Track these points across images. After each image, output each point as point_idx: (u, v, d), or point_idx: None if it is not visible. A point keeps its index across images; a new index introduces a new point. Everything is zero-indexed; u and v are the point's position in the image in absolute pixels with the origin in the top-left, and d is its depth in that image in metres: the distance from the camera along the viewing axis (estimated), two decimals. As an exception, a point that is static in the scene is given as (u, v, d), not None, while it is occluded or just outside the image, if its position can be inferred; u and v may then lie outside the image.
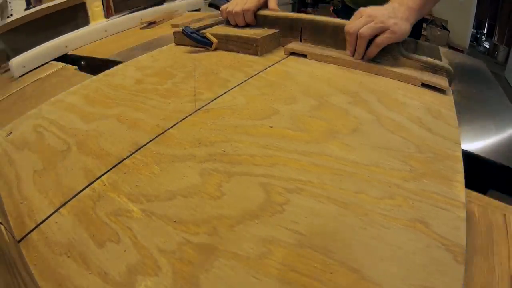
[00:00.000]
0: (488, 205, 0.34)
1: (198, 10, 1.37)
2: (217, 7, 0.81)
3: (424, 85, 0.51)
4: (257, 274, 0.25)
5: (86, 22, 1.08)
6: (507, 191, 0.38)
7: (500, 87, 0.63)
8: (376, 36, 0.54)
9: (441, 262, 0.25)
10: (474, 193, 0.36)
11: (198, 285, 0.25)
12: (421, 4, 0.56)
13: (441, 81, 0.51)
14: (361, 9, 0.57)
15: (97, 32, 1.05)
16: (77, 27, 1.04)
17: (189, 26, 0.72)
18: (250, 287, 0.25)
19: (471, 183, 0.34)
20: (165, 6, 1.27)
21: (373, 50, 0.55)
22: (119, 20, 1.12)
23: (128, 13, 1.16)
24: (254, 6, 0.70)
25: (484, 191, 0.37)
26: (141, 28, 1.12)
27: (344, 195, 0.31)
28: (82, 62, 0.88)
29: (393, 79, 0.54)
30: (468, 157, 0.40)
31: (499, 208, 0.34)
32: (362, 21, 0.55)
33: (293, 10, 3.98)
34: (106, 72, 0.66)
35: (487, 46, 3.21)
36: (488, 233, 0.31)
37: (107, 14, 1.12)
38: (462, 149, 0.37)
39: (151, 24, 1.13)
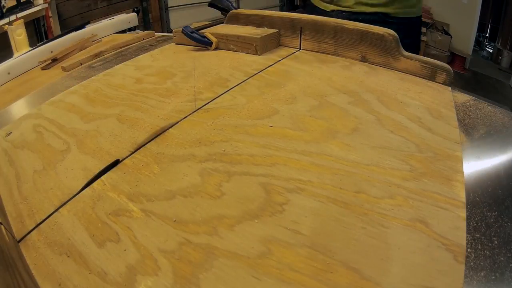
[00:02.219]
0: None
1: (134, 29, 1.14)
2: (217, 7, 0.81)
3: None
4: (257, 274, 0.25)
5: (11, 53, 0.93)
6: None
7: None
8: None
9: (441, 262, 0.25)
10: None
11: (198, 285, 0.25)
12: None
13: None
14: None
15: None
16: (2, 59, 0.88)
17: (189, 25, 0.72)
18: (250, 287, 0.25)
19: None
20: (81, 31, 1.00)
21: None
22: (21, 58, 0.88)
23: (38, 46, 0.93)
24: None
25: None
26: (42, 68, 0.86)
27: (344, 195, 0.31)
28: None
29: (393, 78, 0.54)
30: None
31: None
32: None
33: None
34: (106, 71, 0.66)
35: (491, 51, 3.03)
36: None
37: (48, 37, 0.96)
38: None
39: (53, 61, 0.87)
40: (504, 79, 2.57)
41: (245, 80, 0.55)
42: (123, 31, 1.10)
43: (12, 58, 0.91)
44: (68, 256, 0.28)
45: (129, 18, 1.14)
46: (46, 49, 0.91)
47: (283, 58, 0.64)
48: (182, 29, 0.71)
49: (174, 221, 0.30)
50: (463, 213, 0.29)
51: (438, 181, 0.33)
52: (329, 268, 0.25)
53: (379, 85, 0.52)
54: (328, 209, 0.30)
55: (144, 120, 0.46)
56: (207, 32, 0.71)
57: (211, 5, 0.85)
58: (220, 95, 0.51)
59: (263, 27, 0.72)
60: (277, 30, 0.70)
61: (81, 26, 1.03)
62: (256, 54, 0.65)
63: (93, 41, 0.98)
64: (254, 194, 0.32)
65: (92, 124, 0.47)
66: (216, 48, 0.71)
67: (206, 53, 0.69)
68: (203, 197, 0.32)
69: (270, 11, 0.74)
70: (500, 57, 2.87)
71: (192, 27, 0.73)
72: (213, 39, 0.70)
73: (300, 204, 0.31)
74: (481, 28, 2.96)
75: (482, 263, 0.26)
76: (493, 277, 0.25)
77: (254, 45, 0.65)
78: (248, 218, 0.30)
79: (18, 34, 0.99)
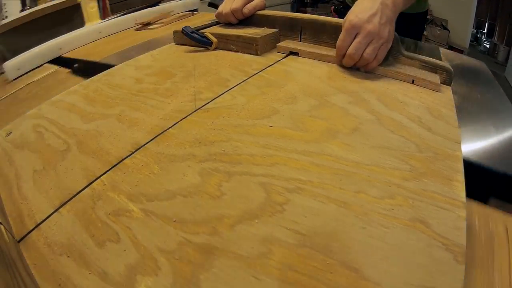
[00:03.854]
0: (489, 216, 0.34)
1: (196, 10, 1.36)
2: (216, 7, 0.81)
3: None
4: (257, 274, 0.25)
5: (81, 23, 1.07)
6: (509, 200, 0.37)
7: (500, 88, 0.63)
8: None
9: (442, 262, 0.25)
10: (475, 203, 0.35)
11: (198, 285, 0.25)
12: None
13: (433, 79, 0.51)
14: (353, 21, 0.53)
15: (91, 34, 1.02)
16: (73, 28, 1.02)
17: (189, 26, 0.72)
18: (250, 287, 0.25)
19: (472, 192, 0.34)
20: (160, 6, 1.23)
21: (375, 64, 0.54)
22: (113, 21, 1.08)
23: (123, 15, 1.12)
24: (241, 4, 0.72)
25: (485, 200, 0.36)
26: (136, 30, 1.08)
27: (344, 195, 0.31)
28: (75, 65, 0.87)
29: (394, 79, 0.54)
30: (469, 165, 0.39)
31: (500, 219, 0.34)
32: (363, 42, 0.52)
33: (292, 10, 3.97)
34: (106, 71, 0.66)
35: (487, 46, 3.18)
36: (488, 244, 0.31)
37: (103, 15, 1.10)
38: (464, 158, 0.36)
39: (146, 25, 1.09)
40: (499, 71, 2.71)
41: (245, 80, 0.55)
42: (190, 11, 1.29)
43: (81, 28, 1.04)
44: (68, 256, 0.28)
45: (193, 1, 1.33)
46: (130, 17, 1.11)
47: (283, 58, 0.64)
48: (182, 29, 0.71)
49: (174, 221, 0.30)
50: (463, 213, 0.29)
51: (438, 181, 0.33)
52: (329, 268, 0.25)
53: (379, 85, 0.52)
54: (328, 209, 0.30)
55: (144, 120, 0.46)
56: (207, 32, 0.71)
57: (211, 4, 0.85)
58: (220, 95, 0.51)
59: (263, 27, 0.72)
60: (277, 30, 0.70)
61: (155, 4, 1.24)
62: (256, 54, 0.65)
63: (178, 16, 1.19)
64: (254, 194, 0.32)
65: (92, 124, 0.47)
66: (216, 48, 0.71)
67: (206, 53, 0.69)
68: (203, 197, 0.32)
69: (270, 11, 0.73)
70: (496, 52, 3.03)
71: (192, 27, 0.73)
72: (213, 39, 0.70)
73: (300, 204, 0.31)
74: (479, 25, 3.18)
75: None
76: None
77: (254, 45, 0.65)
78: (248, 218, 0.30)
79: (91, 7, 1.09)
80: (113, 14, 1.13)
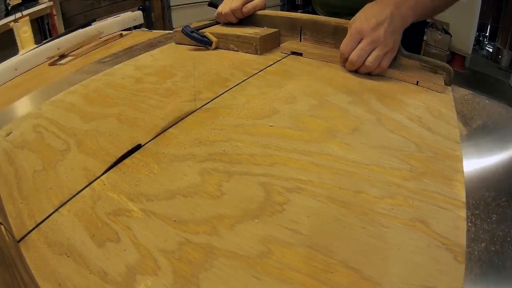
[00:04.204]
0: None
1: (139, 27, 1.16)
2: (216, 7, 0.81)
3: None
4: (257, 273, 0.25)
5: (16, 50, 0.94)
6: None
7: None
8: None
9: (441, 262, 0.25)
10: None
11: (198, 284, 0.25)
12: (419, 12, 0.54)
13: (437, 80, 0.51)
14: (358, 27, 0.53)
15: (6, 72, 0.83)
16: (7, 55, 0.88)
17: (189, 25, 0.72)
18: (250, 286, 0.25)
19: None
20: (92, 27, 1.02)
21: (377, 72, 0.54)
22: (28, 55, 0.88)
23: (45, 43, 0.93)
24: (240, 4, 0.73)
25: None
26: (50, 65, 0.86)
27: (344, 195, 0.31)
28: None
29: (394, 78, 0.54)
30: None
31: None
32: (366, 48, 0.52)
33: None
34: (106, 71, 0.66)
35: (490, 50, 3.04)
36: None
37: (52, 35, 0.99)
38: None
39: (61, 57, 0.88)
40: (504, 78, 2.57)
41: (245, 80, 0.55)
42: (128, 29, 1.12)
43: (18, 55, 0.90)
44: (68, 256, 0.28)
45: (134, 16, 1.16)
46: (53, 45, 0.92)
47: (283, 58, 0.64)
48: (182, 29, 0.71)
49: (174, 221, 0.30)
50: (463, 213, 0.29)
51: (438, 180, 0.32)
52: (329, 268, 0.25)
53: (379, 85, 0.52)
54: (328, 209, 0.30)
55: (144, 120, 0.46)
56: (207, 32, 0.71)
57: (210, 4, 0.85)
58: (220, 95, 0.51)
59: (263, 27, 0.72)
60: (277, 29, 0.70)
61: (87, 24, 1.04)
62: (256, 53, 0.65)
63: (101, 38, 0.99)
64: (254, 194, 0.32)
65: (92, 124, 0.47)
66: (216, 48, 0.71)
67: (206, 53, 0.69)
68: (203, 197, 0.32)
69: (270, 11, 0.73)
70: (499, 56, 2.88)
71: (192, 26, 0.73)
72: (213, 38, 0.70)
73: (300, 204, 0.31)
74: (481, 28, 2.97)
75: (482, 236, 0.28)
76: (492, 249, 0.27)
77: (254, 44, 0.65)
78: (248, 218, 0.30)
79: (23, 32, 0.99)
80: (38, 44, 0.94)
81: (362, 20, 0.53)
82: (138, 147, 0.40)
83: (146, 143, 0.41)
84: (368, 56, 0.52)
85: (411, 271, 0.25)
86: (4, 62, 0.86)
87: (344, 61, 0.56)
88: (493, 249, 0.27)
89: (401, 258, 0.26)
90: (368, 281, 0.24)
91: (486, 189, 0.33)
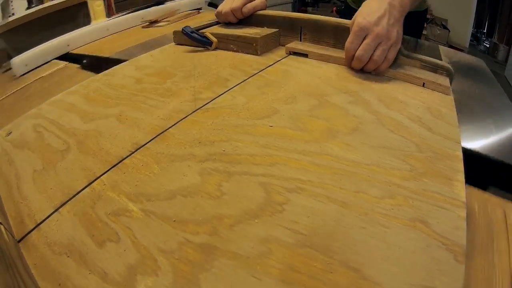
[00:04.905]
0: (488, 202, 0.34)
1: (199, 9, 1.37)
2: (216, 6, 0.81)
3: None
4: (257, 274, 0.25)
5: (87, 21, 1.08)
6: (507, 188, 0.38)
7: (499, 86, 0.63)
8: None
9: (441, 262, 0.25)
10: (474, 190, 0.36)
11: (198, 284, 0.25)
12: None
13: (443, 81, 0.51)
14: (361, 23, 0.53)
15: (98, 31, 1.04)
16: (79, 26, 1.03)
17: (189, 26, 0.72)
18: (250, 287, 0.25)
19: (471, 180, 0.35)
20: (166, 5, 1.26)
21: (385, 66, 0.54)
22: (120, 19, 1.11)
23: (130, 12, 1.15)
24: (241, 3, 0.73)
25: (484, 188, 0.37)
26: (143, 27, 1.11)
27: (344, 195, 0.31)
28: (84, 61, 0.87)
29: (394, 78, 0.54)
30: (469, 154, 0.40)
31: (498, 204, 0.34)
32: (372, 44, 0.52)
33: (293, 9, 3.97)
34: (106, 71, 0.66)
35: (487, 45, 3.16)
36: (488, 229, 0.31)
37: (109, 13, 1.11)
38: (462, 147, 0.37)
39: (152, 23, 1.12)
40: (500, 71, 2.68)
41: (245, 80, 0.55)
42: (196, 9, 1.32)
43: (89, 25, 1.05)
44: (68, 256, 0.28)
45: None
46: (136, 15, 1.14)
47: (283, 58, 0.64)
48: (182, 29, 0.71)
49: (174, 221, 0.30)
50: (463, 213, 0.29)
51: (438, 180, 0.32)
52: (329, 268, 0.25)
53: (379, 84, 0.52)
54: (328, 209, 0.30)
55: (144, 120, 0.46)
56: (207, 32, 0.71)
57: (210, 4, 0.85)
58: (220, 95, 0.51)
59: (263, 27, 0.72)
60: (277, 29, 0.70)
61: (161, 2, 1.26)
62: (256, 54, 0.65)
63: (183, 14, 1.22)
64: (254, 194, 0.32)
65: (92, 124, 0.47)
66: (216, 48, 0.71)
67: (206, 53, 0.69)
68: (203, 197, 0.32)
69: (270, 11, 0.73)
70: (496, 51, 2.99)
71: (192, 27, 0.73)
72: (213, 39, 0.70)
73: (300, 204, 0.31)
74: (478, 25, 3.13)
75: None
76: None
77: (254, 45, 0.65)
78: (248, 218, 0.30)
79: (97, 5, 1.10)
80: (118, 13, 1.14)
81: (363, 16, 0.53)
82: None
83: (146, 143, 0.41)
84: (374, 51, 0.52)
85: (411, 271, 0.25)
86: (95, 23, 1.06)
87: (350, 59, 0.56)
88: None
89: (401, 258, 0.26)
90: (368, 281, 0.24)
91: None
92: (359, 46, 0.53)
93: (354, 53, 0.54)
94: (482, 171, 0.40)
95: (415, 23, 0.98)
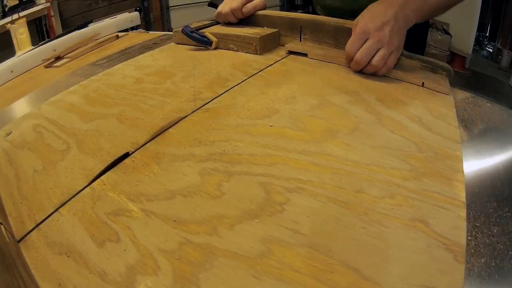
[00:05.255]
0: None
1: (136, 28, 1.15)
2: (216, 7, 0.81)
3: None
4: (257, 273, 0.25)
5: (13, 51, 0.94)
6: None
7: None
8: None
9: (442, 262, 0.25)
10: None
11: (198, 284, 0.25)
12: (422, 12, 0.55)
13: (443, 82, 0.51)
14: (363, 27, 0.53)
15: (2, 74, 0.83)
16: (4, 57, 0.88)
17: (189, 25, 0.72)
18: (250, 286, 0.25)
19: None
20: (88, 28, 1.02)
21: (384, 71, 0.54)
22: (24, 57, 0.88)
23: (41, 45, 0.93)
24: (240, 4, 0.73)
25: None
26: (46, 67, 0.85)
27: (344, 195, 0.31)
28: None
29: (394, 78, 0.54)
30: None
31: None
32: (372, 48, 0.52)
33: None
34: (106, 71, 0.66)
35: (490, 51, 3.04)
36: None
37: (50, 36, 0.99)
38: None
39: (57, 59, 0.87)
40: (504, 79, 2.57)
41: (245, 80, 0.55)
42: (125, 30, 1.11)
43: (14, 57, 0.90)
44: (68, 256, 0.28)
45: (131, 17, 1.14)
46: (49, 47, 0.91)
47: (283, 58, 0.64)
48: (182, 29, 0.71)
49: (174, 221, 0.30)
50: (463, 213, 0.29)
51: (438, 180, 0.32)
52: (329, 268, 0.25)
53: (379, 84, 0.52)
54: (328, 209, 0.30)
55: (144, 120, 0.46)
56: (207, 32, 0.71)
57: (211, 4, 0.85)
58: (220, 95, 0.51)
59: (263, 27, 0.72)
60: (277, 29, 0.70)
61: (84, 25, 1.03)
62: (256, 53, 0.65)
63: (97, 40, 0.98)
64: (254, 193, 0.32)
65: (92, 124, 0.47)
66: (216, 48, 0.71)
67: (206, 53, 0.69)
68: (203, 197, 0.32)
69: (270, 11, 0.73)
70: (500, 57, 2.87)
71: (192, 26, 0.73)
72: (213, 38, 0.70)
73: (300, 204, 0.31)
74: (481, 28, 2.96)
75: (482, 250, 0.27)
76: (493, 264, 0.26)
77: (254, 44, 0.65)
78: (248, 218, 0.30)
79: (20, 33, 1.00)
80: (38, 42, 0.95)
81: (367, 20, 0.53)
82: (126, 155, 0.40)
83: (146, 143, 0.41)
84: (374, 56, 0.52)
85: (411, 271, 0.25)
86: (0, 64, 0.85)
87: (349, 61, 0.56)
88: (493, 264, 0.26)
89: (401, 258, 0.26)
90: (368, 281, 0.24)
91: (488, 199, 0.31)
92: (358, 48, 0.53)
93: (354, 55, 0.54)
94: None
95: (418, 34, 0.96)
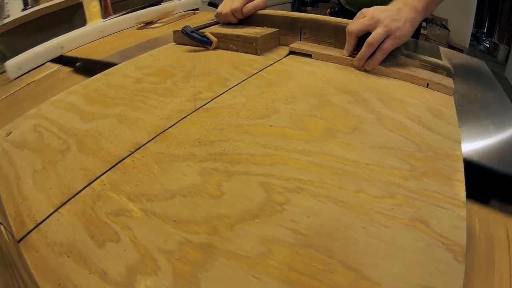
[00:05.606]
0: (490, 219, 0.33)
1: (197, 9, 1.35)
2: (216, 6, 0.81)
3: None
4: (257, 273, 0.25)
5: (83, 22, 1.06)
6: (510, 201, 0.36)
7: (500, 86, 0.62)
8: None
9: (442, 262, 0.25)
10: (475, 206, 0.34)
11: (198, 284, 0.25)
12: (426, 5, 0.56)
13: (447, 82, 0.51)
14: (364, 10, 0.56)
15: (92, 33, 1.02)
16: (74, 27, 1.02)
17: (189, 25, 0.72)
18: (250, 287, 0.25)
19: (473, 193, 0.33)
20: (162, 6, 1.23)
21: (379, 58, 0.54)
22: (115, 20, 1.09)
23: (124, 14, 1.13)
24: (241, 4, 0.73)
25: (486, 201, 0.35)
26: (138, 29, 1.09)
27: (344, 194, 0.31)
28: (77, 64, 0.86)
29: (395, 78, 0.54)
30: (470, 165, 0.38)
31: (501, 221, 0.33)
32: (366, 24, 0.54)
33: (293, 9, 3.97)
34: (106, 71, 0.66)
35: (488, 45, 3.17)
36: (489, 248, 0.30)
37: (105, 14, 1.10)
38: (464, 158, 0.36)
39: (148, 24, 1.10)
40: (500, 71, 2.70)
41: (245, 80, 0.55)
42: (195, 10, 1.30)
43: (83, 27, 1.03)
44: (68, 256, 0.28)
45: (194, 0, 1.33)
46: (133, 16, 1.12)
47: (283, 58, 0.64)
48: (182, 29, 0.71)
49: (174, 221, 0.30)
50: (463, 213, 0.29)
51: (438, 180, 0.32)
52: (329, 268, 0.25)
53: (379, 84, 0.52)
54: (328, 208, 0.30)
55: (144, 120, 0.46)
56: (207, 32, 0.71)
57: (211, 4, 0.85)
58: (220, 95, 0.51)
59: (263, 27, 0.72)
60: (277, 29, 0.70)
61: (156, 3, 1.24)
62: (256, 53, 0.65)
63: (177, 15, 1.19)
64: (254, 193, 0.32)
65: (92, 124, 0.47)
66: (216, 48, 0.70)
67: (206, 53, 0.69)
68: (203, 197, 0.32)
69: (270, 10, 0.73)
70: (496, 51, 3.01)
71: (192, 26, 0.73)
72: (213, 38, 0.70)
73: (300, 204, 0.31)
74: (478, 24, 3.13)
75: None
76: None
77: (254, 44, 0.65)
78: (248, 217, 0.30)
79: (93, 6, 1.08)
80: (114, 14, 1.13)
81: (375, 10, 0.55)
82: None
83: (146, 143, 0.41)
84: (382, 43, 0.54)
85: (411, 271, 0.25)
86: (90, 25, 1.04)
87: (352, 42, 0.57)
88: None
89: (401, 258, 0.26)
90: (368, 281, 0.24)
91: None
92: (361, 31, 0.55)
93: (356, 34, 0.56)
94: (483, 183, 0.38)
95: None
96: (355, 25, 0.56)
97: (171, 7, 1.24)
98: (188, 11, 1.25)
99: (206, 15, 1.15)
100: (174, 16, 1.18)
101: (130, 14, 1.13)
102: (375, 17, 0.54)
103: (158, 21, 1.13)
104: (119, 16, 1.12)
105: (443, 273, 0.24)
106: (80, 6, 1.06)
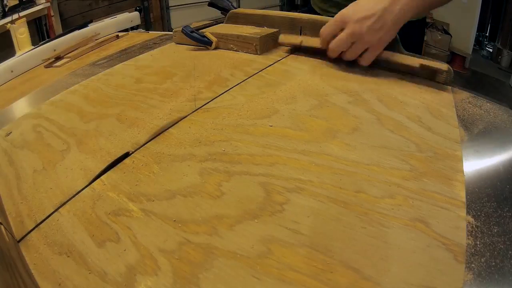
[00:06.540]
0: None
1: (135, 28, 1.14)
2: (216, 7, 0.81)
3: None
4: (257, 273, 0.25)
5: (13, 51, 0.94)
6: None
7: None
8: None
9: (441, 262, 0.25)
10: None
11: (198, 284, 0.25)
12: (415, 8, 0.52)
13: (440, 65, 0.50)
14: (344, 16, 0.52)
15: (2, 74, 0.82)
16: (4, 57, 0.88)
17: (189, 25, 0.72)
18: (250, 286, 0.25)
19: None
20: (88, 28, 1.00)
21: (363, 64, 0.54)
22: (24, 57, 0.87)
23: (41, 45, 0.92)
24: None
25: None
26: (46, 67, 0.84)
27: (344, 195, 0.31)
28: None
29: (395, 78, 0.54)
30: None
31: None
32: (344, 40, 0.52)
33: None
34: (106, 71, 0.66)
35: (491, 51, 3.04)
36: None
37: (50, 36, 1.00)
38: None
39: (57, 59, 0.86)
40: (504, 78, 2.57)
41: (245, 80, 0.55)
42: (125, 30, 1.10)
43: (15, 57, 0.90)
44: (68, 256, 0.28)
45: (131, 17, 1.14)
46: (49, 47, 0.91)
47: (283, 58, 0.64)
48: (182, 29, 0.71)
49: (174, 221, 0.30)
50: (463, 213, 0.29)
51: (438, 180, 0.32)
52: (329, 268, 0.25)
53: (379, 84, 0.52)
54: (328, 208, 0.30)
55: (144, 120, 0.46)
56: (207, 32, 0.71)
57: (211, 4, 0.85)
58: (220, 95, 0.51)
59: (263, 27, 0.72)
60: (277, 29, 0.70)
61: (84, 25, 1.02)
62: (256, 53, 0.65)
63: (96, 40, 0.98)
64: (254, 193, 0.32)
65: (92, 124, 0.47)
66: (216, 48, 0.71)
67: (206, 53, 0.69)
68: (203, 197, 0.32)
69: (270, 11, 0.73)
70: (500, 57, 2.87)
71: (192, 26, 0.73)
72: (213, 38, 0.70)
73: (300, 204, 0.31)
74: (481, 28, 2.96)
75: (482, 250, 0.26)
76: (493, 263, 0.25)
77: (254, 44, 0.65)
78: (248, 217, 0.30)
79: (20, 33, 0.99)
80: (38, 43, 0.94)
81: (350, 10, 0.52)
82: (126, 155, 0.40)
83: (146, 143, 0.41)
84: (348, 48, 0.53)
85: (411, 271, 0.25)
86: (0, 64, 0.84)
87: (323, 43, 0.57)
88: (493, 264, 0.25)
89: (401, 258, 0.26)
90: (368, 281, 0.24)
91: (488, 199, 0.31)
92: (330, 35, 0.54)
93: (324, 37, 0.55)
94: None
95: (417, 32, 0.95)
96: (336, 44, 0.53)
97: (96, 29, 1.00)
98: (119, 32, 1.05)
99: (133, 38, 0.96)
100: (91, 45, 0.93)
101: (46, 45, 0.91)
102: (355, 32, 0.51)
103: (66, 55, 0.89)
104: (32, 49, 0.92)
105: (443, 273, 0.24)
106: (7, 34, 0.94)
